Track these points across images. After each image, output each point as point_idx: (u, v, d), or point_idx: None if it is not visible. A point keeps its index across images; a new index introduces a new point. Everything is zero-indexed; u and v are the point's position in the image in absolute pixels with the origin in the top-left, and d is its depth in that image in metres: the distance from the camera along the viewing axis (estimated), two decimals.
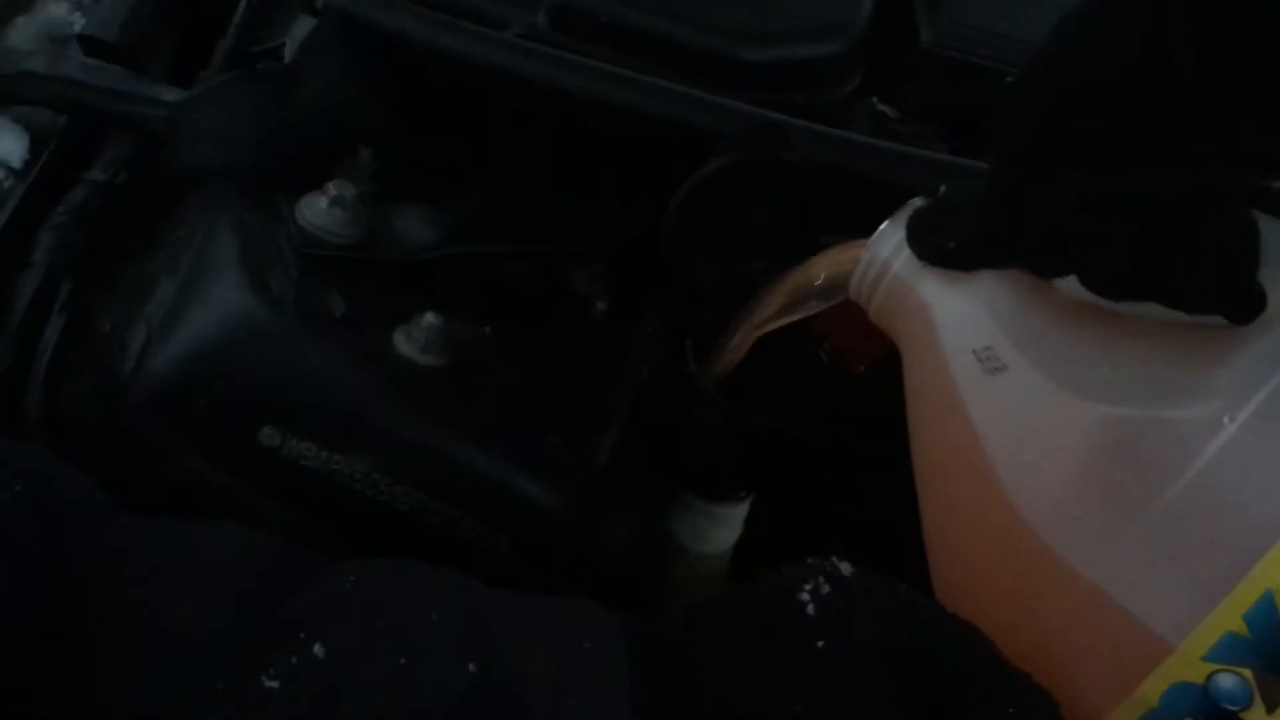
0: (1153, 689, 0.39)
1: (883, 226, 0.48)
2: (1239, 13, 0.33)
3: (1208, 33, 0.34)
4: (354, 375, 0.53)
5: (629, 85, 0.59)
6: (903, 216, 0.47)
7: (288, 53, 0.63)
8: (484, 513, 0.53)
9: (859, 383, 0.59)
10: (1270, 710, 0.38)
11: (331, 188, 0.57)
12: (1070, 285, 0.42)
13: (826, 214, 0.59)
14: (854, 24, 0.64)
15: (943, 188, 0.46)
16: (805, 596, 0.41)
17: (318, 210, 0.56)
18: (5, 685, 0.34)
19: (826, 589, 0.41)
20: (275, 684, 0.36)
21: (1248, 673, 0.38)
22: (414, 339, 0.54)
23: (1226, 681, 0.38)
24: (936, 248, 0.45)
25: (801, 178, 0.58)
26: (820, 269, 0.52)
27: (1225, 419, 0.39)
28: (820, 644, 0.39)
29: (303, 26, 0.62)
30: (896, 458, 0.49)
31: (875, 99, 0.66)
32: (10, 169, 0.58)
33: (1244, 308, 0.40)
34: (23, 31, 0.63)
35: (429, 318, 0.54)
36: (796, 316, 0.53)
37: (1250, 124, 0.35)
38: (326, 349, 0.53)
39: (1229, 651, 0.38)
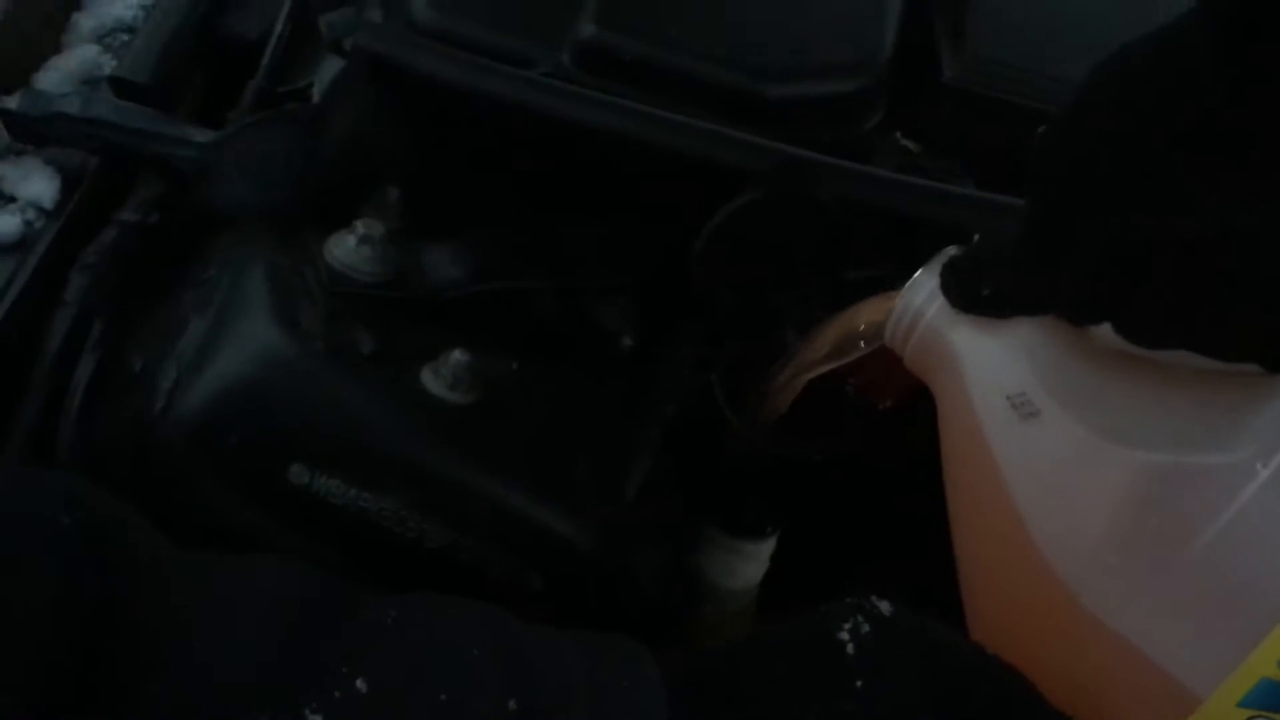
0: None
1: (916, 275, 0.48)
2: (1268, 53, 0.33)
3: (1239, 73, 0.34)
4: (383, 413, 0.53)
5: (655, 123, 0.59)
6: (936, 265, 0.47)
7: (316, 93, 0.63)
8: (514, 549, 0.53)
9: (886, 418, 0.59)
10: None
11: (360, 226, 0.57)
12: (1104, 332, 0.42)
13: (852, 248, 0.59)
14: (877, 59, 0.64)
15: (975, 236, 0.46)
16: (845, 635, 0.41)
17: (346, 248, 0.57)
18: (46, 716, 0.34)
19: (866, 628, 0.41)
20: (318, 718, 0.36)
21: None
22: (442, 376, 0.54)
23: None
24: (970, 296, 0.46)
25: (827, 213, 0.58)
26: (864, 317, 0.52)
27: (1258, 465, 0.39)
28: (859, 684, 0.39)
29: (331, 67, 0.63)
30: (927, 492, 0.49)
31: (899, 134, 0.66)
32: (42, 209, 0.58)
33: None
34: (54, 73, 0.63)
35: (457, 355, 0.54)
36: (843, 361, 0.53)
37: None
38: (355, 387, 0.53)
39: (1265, 697, 0.38)
